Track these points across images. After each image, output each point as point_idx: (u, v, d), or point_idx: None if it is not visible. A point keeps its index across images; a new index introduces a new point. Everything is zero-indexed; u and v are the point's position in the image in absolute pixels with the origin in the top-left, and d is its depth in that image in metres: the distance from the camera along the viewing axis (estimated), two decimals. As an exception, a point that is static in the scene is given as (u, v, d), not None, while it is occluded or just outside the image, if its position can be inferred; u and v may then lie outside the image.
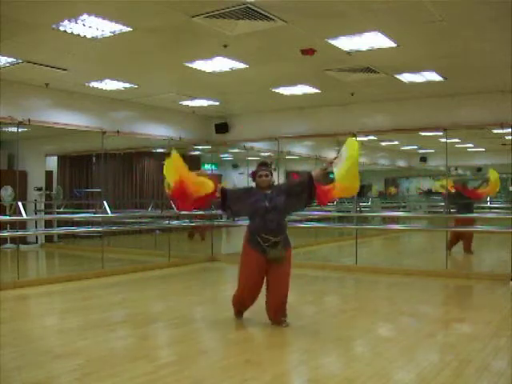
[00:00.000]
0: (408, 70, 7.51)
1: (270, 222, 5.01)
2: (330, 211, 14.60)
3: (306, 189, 5.14)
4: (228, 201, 5.24)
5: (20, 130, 8.33)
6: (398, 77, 7.83)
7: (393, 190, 18.33)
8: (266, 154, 13.20)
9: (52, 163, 13.93)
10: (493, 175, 10.37)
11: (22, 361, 4.11)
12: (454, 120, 8.88)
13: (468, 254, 10.74)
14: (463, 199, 10.46)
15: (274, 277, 5.08)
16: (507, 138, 10.88)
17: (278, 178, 11.79)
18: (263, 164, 5.30)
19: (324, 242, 13.70)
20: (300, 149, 13.56)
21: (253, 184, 5.35)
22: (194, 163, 16.21)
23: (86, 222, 11.15)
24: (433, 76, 7.76)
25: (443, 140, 9.51)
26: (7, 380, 3.67)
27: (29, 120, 8.14)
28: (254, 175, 5.29)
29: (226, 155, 16.27)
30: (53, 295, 7.20)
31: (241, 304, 5.41)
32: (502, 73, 7.33)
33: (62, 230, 11.05)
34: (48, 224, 11.97)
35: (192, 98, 9.60)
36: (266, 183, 5.18)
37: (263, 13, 5.22)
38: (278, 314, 5.12)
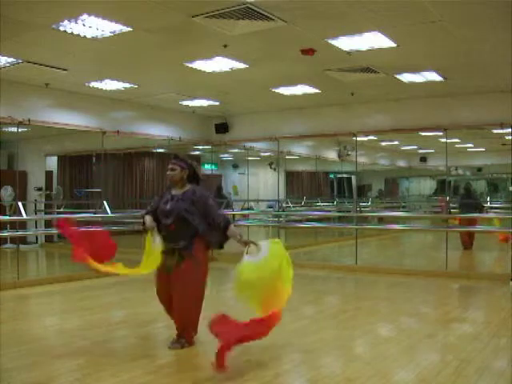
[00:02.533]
0: (408, 69, 7.51)
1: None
2: (329, 211, 14.64)
3: (217, 231, 4.43)
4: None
5: (20, 130, 8.34)
6: (398, 77, 7.83)
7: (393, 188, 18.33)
8: (266, 153, 13.21)
9: (52, 163, 13.93)
10: None
11: (22, 361, 4.11)
12: (454, 120, 8.88)
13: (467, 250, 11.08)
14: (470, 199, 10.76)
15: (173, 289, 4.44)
16: (507, 137, 10.89)
17: (278, 178, 11.82)
18: (174, 157, 4.60)
19: (324, 242, 13.69)
20: (300, 149, 13.57)
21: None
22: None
23: (86, 221, 11.14)
24: (433, 76, 7.76)
25: (443, 140, 9.52)
26: (7, 380, 3.67)
27: (29, 120, 8.14)
28: None
29: (226, 155, 16.27)
30: (53, 295, 7.20)
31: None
32: (502, 73, 7.33)
33: (62, 230, 11.02)
34: (48, 224, 11.96)
35: (192, 98, 9.60)
36: (171, 178, 4.51)
37: (263, 13, 5.22)
38: (180, 331, 4.50)
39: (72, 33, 5.80)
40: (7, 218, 9.72)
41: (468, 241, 11.11)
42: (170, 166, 4.54)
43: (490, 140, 12.93)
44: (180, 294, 4.35)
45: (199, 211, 4.39)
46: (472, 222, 10.20)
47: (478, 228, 10.26)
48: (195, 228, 4.36)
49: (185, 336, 4.45)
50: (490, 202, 14.18)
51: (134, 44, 6.34)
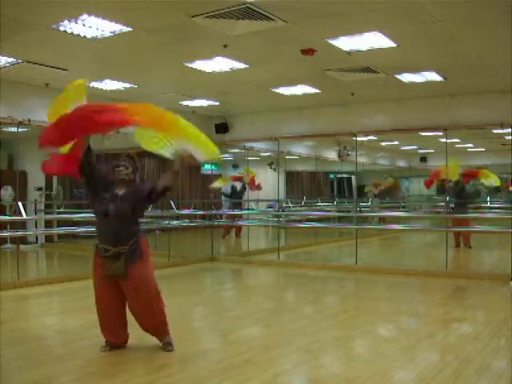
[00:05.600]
0: (408, 69, 7.52)
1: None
2: (329, 211, 14.64)
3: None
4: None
5: (20, 130, 8.33)
6: (398, 77, 7.84)
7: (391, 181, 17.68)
8: (266, 153, 13.21)
9: (52, 163, 13.90)
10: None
11: (21, 361, 4.10)
12: (454, 120, 8.88)
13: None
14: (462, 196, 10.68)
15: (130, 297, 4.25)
16: (507, 137, 10.89)
17: (278, 178, 11.82)
18: (126, 155, 4.57)
19: (324, 241, 13.69)
20: (300, 149, 13.57)
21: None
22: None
23: (86, 221, 11.14)
24: (433, 76, 7.76)
25: (443, 140, 9.51)
26: (7, 380, 3.67)
27: (29, 120, 8.14)
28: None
29: (226, 155, 16.28)
30: (53, 295, 7.19)
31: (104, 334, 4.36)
32: (502, 73, 7.33)
33: (62, 230, 11.04)
34: (48, 224, 11.96)
35: (192, 97, 9.60)
36: (125, 176, 4.41)
37: (263, 13, 5.22)
38: (159, 335, 4.38)
39: (72, 33, 5.81)
40: (7, 217, 9.72)
41: (458, 239, 11.13)
42: (122, 163, 4.40)
43: (490, 140, 12.94)
44: (144, 300, 4.21)
45: (142, 201, 4.33)
46: (462, 221, 10.22)
47: (478, 228, 10.26)
48: (138, 223, 4.30)
49: (165, 334, 4.34)
50: (490, 201, 14.18)
51: (134, 44, 6.35)
